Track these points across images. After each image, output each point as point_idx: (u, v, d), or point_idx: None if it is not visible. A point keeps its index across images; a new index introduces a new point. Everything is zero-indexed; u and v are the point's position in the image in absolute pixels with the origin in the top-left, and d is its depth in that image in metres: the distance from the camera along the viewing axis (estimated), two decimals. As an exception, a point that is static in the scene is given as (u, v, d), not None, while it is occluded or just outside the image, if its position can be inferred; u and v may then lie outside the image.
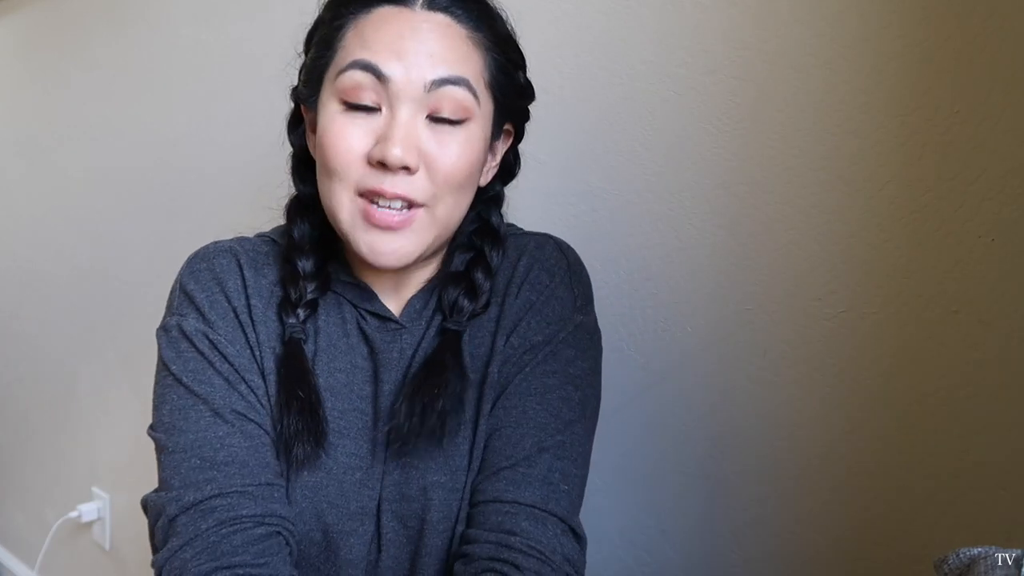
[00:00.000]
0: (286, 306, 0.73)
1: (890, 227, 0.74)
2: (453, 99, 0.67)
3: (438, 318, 0.75)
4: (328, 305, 0.75)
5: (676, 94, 0.88)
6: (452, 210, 0.70)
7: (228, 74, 1.46)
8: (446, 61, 0.67)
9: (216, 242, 0.76)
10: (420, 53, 0.66)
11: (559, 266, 0.76)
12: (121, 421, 1.82)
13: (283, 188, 0.78)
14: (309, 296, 0.73)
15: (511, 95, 0.73)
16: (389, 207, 0.67)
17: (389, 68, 0.66)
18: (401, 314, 0.75)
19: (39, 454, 2.15)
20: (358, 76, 0.66)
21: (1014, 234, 0.68)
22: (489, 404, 0.73)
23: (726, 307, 0.86)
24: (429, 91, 0.66)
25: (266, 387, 0.71)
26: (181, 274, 0.73)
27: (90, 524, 1.92)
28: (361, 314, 0.75)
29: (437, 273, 0.77)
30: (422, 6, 0.68)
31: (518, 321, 0.74)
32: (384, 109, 0.67)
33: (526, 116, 0.79)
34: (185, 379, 0.69)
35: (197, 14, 1.51)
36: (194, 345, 0.69)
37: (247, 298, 0.72)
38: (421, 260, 0.73)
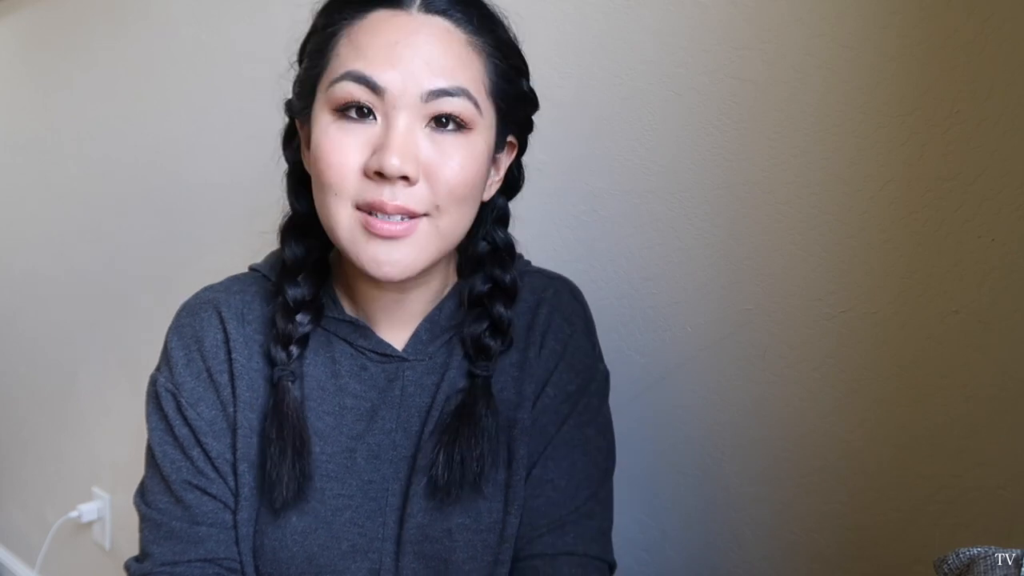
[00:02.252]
0: (276, 343, 0.71)
1: (890, 227, 0.74)
2: (453, 109, 0.64)
3: (456, 355, 0.74)
4: (317, 346, 0.74)
5: (676, 94, 0.88)
6: (456, 223, 0.67)
7: (228, 75, 1.46)
8: (444, 69, 0.64)
9: (206, 289, 0.76)
10: (416, 61, 0.63)
11: (576, 314, 0.79)
12: (121, 421, 1.82)
13: (278, 207, 0.76)
14: (301, 331, 0.72)
15: (514, 104, 0.71)
16: (389, 218, 0.64)
17: (383, 79, 0.63)
18: (405, 346, 0.74)
19: (39, 454, 2.15)
20: (351, 87, 0.63)
21: (1014, 234, 0.68)
22: (523, 449, 0.73)
23: (726, 307, 0.86)
24: (427, 101, 0.63)
25: (234, 443, 0.72)
26: (170, 326, 0.75)
27: (90, 524, 1.92)
28: (359, 351, 0.74)
29: (443, 300, 0.76)
30: (419, 9, 0.65)
31: (551, 370, 0.75)
32: (379, 118, 0.64)
33: (529, 127, 0.76)
34: (152, 440, 0.73)
35: (197, 14, 1.51)
36: (161, 405, 0.72)
37: (228, 353, 0.72)
38: (422, 277, 0.71)
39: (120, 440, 1.83)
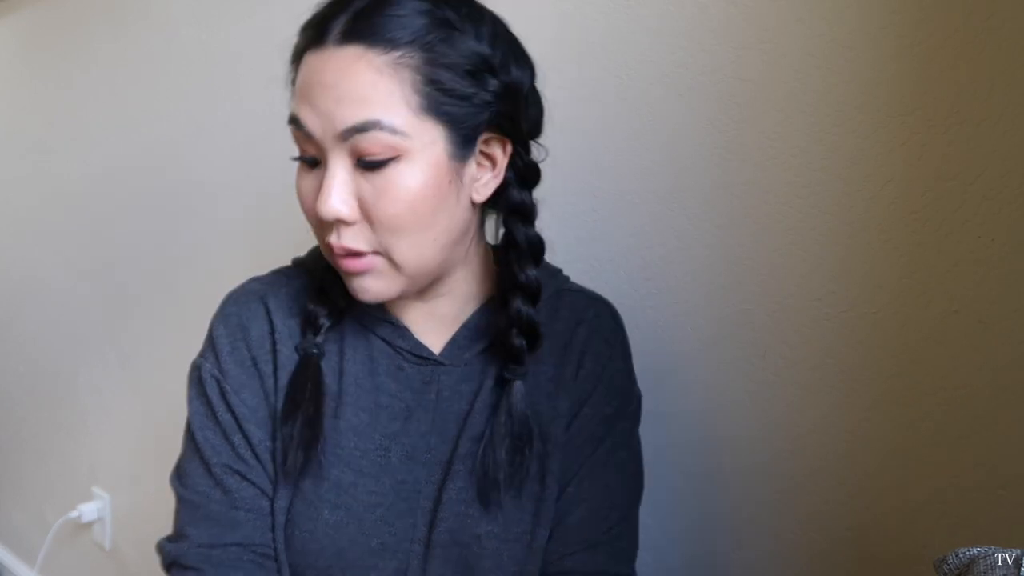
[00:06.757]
0: (308, 322, 0.73)
1: (890, 227, 0.74)
2: (371, 142, 0.62)
3: (495, 364, 0.74)
4: (356, 342, 0.75)
5: (676, 94, 0.88)
6: (412, 251, 0.66)
7: (229, 74, 1.46)
8: (353, 104, 0.62)
9: (252, 280, 0.77)
10: (327, 99, 0.62)
11: (616, 337, 0.80)
12: (121, 421, 1.82)
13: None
14: (329, 311, 0.73)
15: (470, 104, 0.65)
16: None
17: (307, 121, 0.64)
18: (442, 351, 0.75)
19: (39, 454, 2.15)
20: (293, 130, 0.66)
21: (1014, 234, 0.68)
22: (556, 465, 0.74)
23: (726, 307, 0.86)
24: (345, 140, 0.62)
25: (275, 431, 0.73)
26: (215, 314, 0.76)
27: (90, 524, 1.92)
28: (396, 351, 0.74)
29: (483, 305, 0.76)
30: (334, 41, 0.63)
31: (589, 392, 0.76)
32: (323, 162, 0.65)
33: (513, 117, 0.68)
34: (194, 424, 0.74)
35: (197, 14, 1.51)
36: (205, 390, 0.73)
37: (273, 344, 0.73)
38: (438, 287, 0.73)
39: (120, 440, 1.83)
